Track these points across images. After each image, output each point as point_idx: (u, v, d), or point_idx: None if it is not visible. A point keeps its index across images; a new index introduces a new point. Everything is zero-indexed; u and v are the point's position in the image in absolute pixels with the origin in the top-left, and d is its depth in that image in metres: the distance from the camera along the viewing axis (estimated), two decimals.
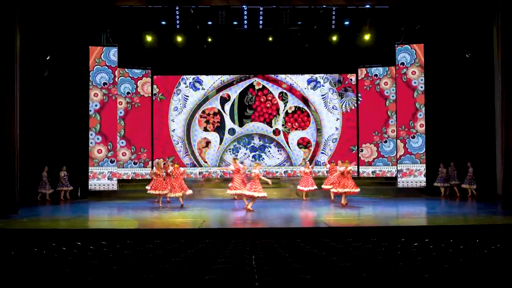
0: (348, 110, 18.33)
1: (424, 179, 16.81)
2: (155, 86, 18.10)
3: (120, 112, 17.59)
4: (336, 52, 17.51)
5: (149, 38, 16.66)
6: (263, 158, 18.38)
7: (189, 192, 13.86)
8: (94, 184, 16.74)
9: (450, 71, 16.65)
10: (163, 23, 16.36)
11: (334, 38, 16.80)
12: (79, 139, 16.69)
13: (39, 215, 12.48)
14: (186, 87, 18.48)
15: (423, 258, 5.78)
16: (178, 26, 16.28)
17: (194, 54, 17.66)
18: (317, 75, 18.48)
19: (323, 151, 18.43)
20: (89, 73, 16.80)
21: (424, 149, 16.81)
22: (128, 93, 17.79)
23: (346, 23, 16.46)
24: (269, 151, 18.41)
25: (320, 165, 18.27)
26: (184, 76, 18.46)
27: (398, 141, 16.96)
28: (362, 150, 17.91)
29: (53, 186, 16.16)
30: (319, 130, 18.45)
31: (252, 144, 18.42)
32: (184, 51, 17.20)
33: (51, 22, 15.29)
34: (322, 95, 18.46)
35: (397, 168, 17.10)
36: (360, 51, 17.31)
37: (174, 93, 18.44)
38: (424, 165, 16.82)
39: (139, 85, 17.93)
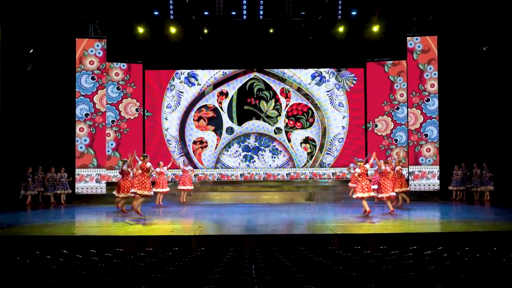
0: (348, 89, 18.38)
1: (438, 181, 16.83)
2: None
3: (112, 144, 17.61)
4: (343, 45, 17.50)
5: (140, 30, 16.65)
6: (254, 161, 18.38)
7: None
8: (81, 187, 16.74)
9: (466, 65, 16.66)
10: (156, 13, 16.37)
11: (341, 29, 16.78)
12: (65, 139, 16.72)
13: (21, 220, 12.47)
14: (180, 82, 18.49)
15: (436, 267, 5.79)
16: (172, 17, 16.28)
17: (189, 47, 17.67)
18: (322, 70, 18.51)
19: (328, 152, 18.44)
20: (75, 66, 16.80)
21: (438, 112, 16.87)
22: (113, 121, 17.77)
23: (354, 13, 16.46)
24: (262, 155, 18.39)
25: (325, 167, 18.30)
26: (178, 71, 18.49)
27: (414, 109, 17.00)
28: (376, 125, 17.95)
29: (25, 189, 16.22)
30: (324, 129, 18.47)
31: (246, 143, 18.42)
32: (178, 44, 17.18)
33: (35, 13, 15.28)
34: (328, 91, 18.48)
35: (408, 170, 17.11)
36: (368, 43, 17.33)
37: (168, 89, 18.46)
38: (438, 167, 16.84)
39: (121, 109, 17.89)
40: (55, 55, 16.70)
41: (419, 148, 16.94)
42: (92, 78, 16.88)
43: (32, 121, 16.51)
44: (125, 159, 13.25)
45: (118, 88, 17.89)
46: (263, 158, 18.46)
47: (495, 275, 5.37)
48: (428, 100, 16.94)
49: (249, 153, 18.48)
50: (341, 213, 13.49)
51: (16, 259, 6.65)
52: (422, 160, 16.93)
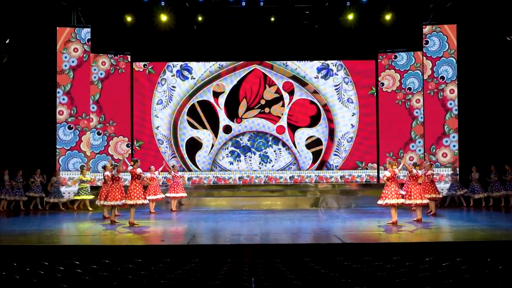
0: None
1: None
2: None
3: None
4: (352, 35, 17.49)
5: (128, 18, 16.67)
6: (239, 160, 18.37)
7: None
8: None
9: (488, 57, 16.66)
10: None
11: (350, 17, 16.78)
12: (45, 138, 16.78)
13: None
14: (172, 76, 18.51)
15: (455, 281, 5.82)
16: (162, 3, 16.29)
17: (182, 36, 17.68)
18: (329, 62, 18.53)
19: (336, 153, 18.45)
20: (56, 58, 16.81)
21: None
22: (104, 167, 17.65)
23: None
24: (250, 157, 18.38)
25: (332, 169, 18.32)
26: (170, 63, 18.50)
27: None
28: (383, 84, 18.10)
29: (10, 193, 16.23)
30: (331, 128, 18.48)
31: (237, 139, 18.41)
32: (170, 33, 17.17)
33: None
34: (335, 86, 18.50)
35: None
36: (380, 33, 17.37)
37: (158, 83, 18.47)
38: (457, 168, 16.85)
39: (112, 152, 17.74)
40: (34, 46, 16.71)
41: (442, 94, 16.97)
42: (69, 128, 16.80)
43: (7, 121, 16.52)
44: (115, 163, 13.20)
45: (99, 134, 17.77)
46: (250, 161, 18.42)
47: None
48: (427, 42, 17.07)
49: (237, 150, 18.45)
50: (350, 221, 13.53)
51: None
52: (450, 104, 16.88)
